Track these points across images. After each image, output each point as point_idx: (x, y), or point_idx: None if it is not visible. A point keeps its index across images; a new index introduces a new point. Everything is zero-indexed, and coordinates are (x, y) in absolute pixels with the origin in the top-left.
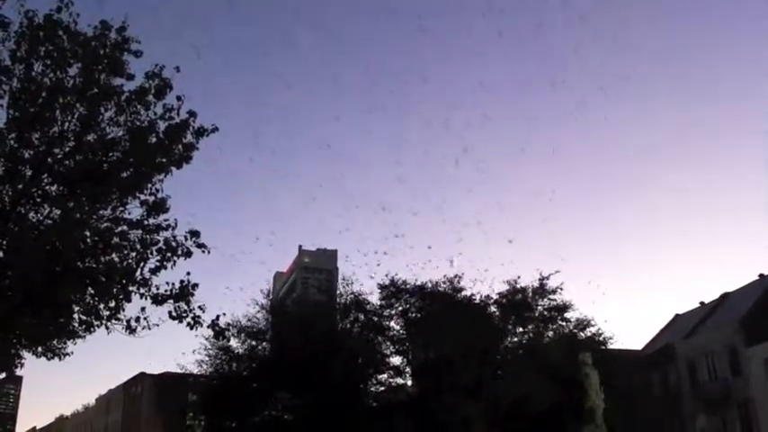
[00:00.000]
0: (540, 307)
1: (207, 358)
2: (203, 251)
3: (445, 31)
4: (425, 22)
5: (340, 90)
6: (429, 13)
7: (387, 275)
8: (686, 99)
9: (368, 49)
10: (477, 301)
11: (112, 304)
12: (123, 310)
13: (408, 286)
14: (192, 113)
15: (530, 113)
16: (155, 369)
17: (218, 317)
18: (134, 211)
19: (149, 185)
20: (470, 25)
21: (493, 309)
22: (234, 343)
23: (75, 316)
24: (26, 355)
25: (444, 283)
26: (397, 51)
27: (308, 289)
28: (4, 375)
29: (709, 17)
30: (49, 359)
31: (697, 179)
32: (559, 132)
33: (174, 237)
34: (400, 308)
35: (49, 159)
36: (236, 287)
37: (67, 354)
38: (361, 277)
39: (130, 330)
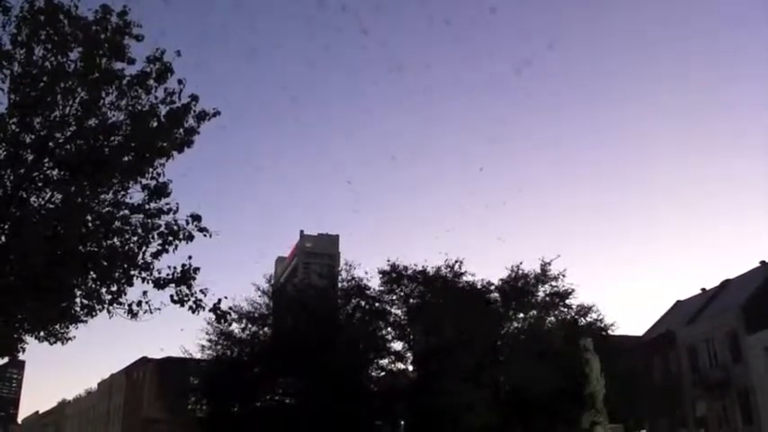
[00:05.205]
0: (541, 293)
1: (208, 343)
2: (205, 235)
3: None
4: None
5: (341, 72)
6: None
7: (388, 261)
8: (687, 90)
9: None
10: (479, 287)
11: (114, 288)
12: (125, 294)
13: (409, 272)
14: (193, 97)
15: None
16: (156, 353)
17: (219, 301)
18: (135, 195)
19: (150, 169)
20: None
21: (494, 295)
22: (235, 328)
23: (77, 300)
24: (28, 339)
25: (445, 268)
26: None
27: (310, 274)
28: (6, 360)
29: (709, 13)
30: (51, 343)
31: (698, 166)
32: (562, 120)
33: (176, 221)
34: (401, 293)
35: (51, 144)
36: (237, 271)
37: (69, 338)
38: (363, 262)
39: (132, 314)
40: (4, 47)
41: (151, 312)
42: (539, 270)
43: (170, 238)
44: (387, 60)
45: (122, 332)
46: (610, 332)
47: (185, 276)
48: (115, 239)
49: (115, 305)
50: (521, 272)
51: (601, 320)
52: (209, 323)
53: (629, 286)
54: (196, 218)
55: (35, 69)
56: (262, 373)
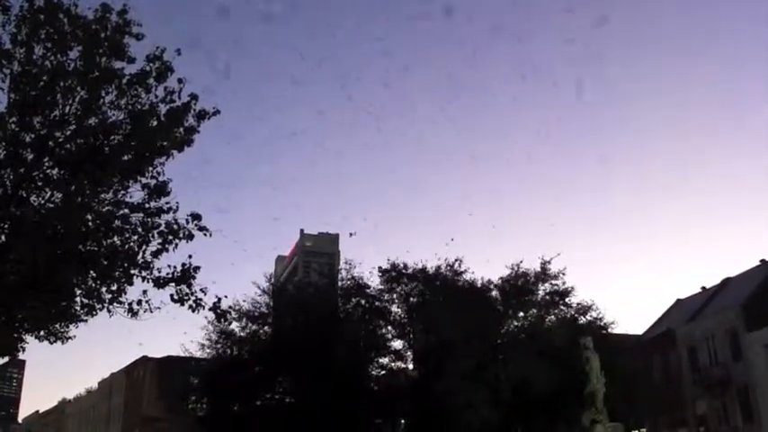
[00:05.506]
0: (541, 291)
1: (208, 342)
2: (205, 234)
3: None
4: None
5: (344, 71)
6: None
7: (388, 260)
8: (687, 87)
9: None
10: (479, 286)
11: (114, 287)
12: (125, 293)
13: (409, 270)
14: (193, 96)
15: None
16: (157, 353)
17: (219, 300)
18: (135, 194)
19: (150, 169)
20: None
21: (494, 293)
22: (235, 326)
23: (77, 299)
24: (28, 338)
25: (445, 267)
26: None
27: (310, 273)
28: (6, 359)
29: (708, 15)
30: (51, 343)
31: (697, 165)
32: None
33: (176, 220)
34: (401, 292)
35: (51, 143)
36: (237, 270)
37: (70, 337)
38: (363, 261)
39: (132, 313)
40: (3, 46)
41: (151, 311)
42: (539, 269)
43: (170, 237)
44: (388, 58)
45: (122, 331)
46: (609, 330)
47: (185, 275)
48: (115, 238)
49: (115, 304)
50: (521, 270)
51: (600, 319)
52: (209, 322)
53: (628, 285)
54: (196, 217)
55: (35, 68)
56: (262, 372)
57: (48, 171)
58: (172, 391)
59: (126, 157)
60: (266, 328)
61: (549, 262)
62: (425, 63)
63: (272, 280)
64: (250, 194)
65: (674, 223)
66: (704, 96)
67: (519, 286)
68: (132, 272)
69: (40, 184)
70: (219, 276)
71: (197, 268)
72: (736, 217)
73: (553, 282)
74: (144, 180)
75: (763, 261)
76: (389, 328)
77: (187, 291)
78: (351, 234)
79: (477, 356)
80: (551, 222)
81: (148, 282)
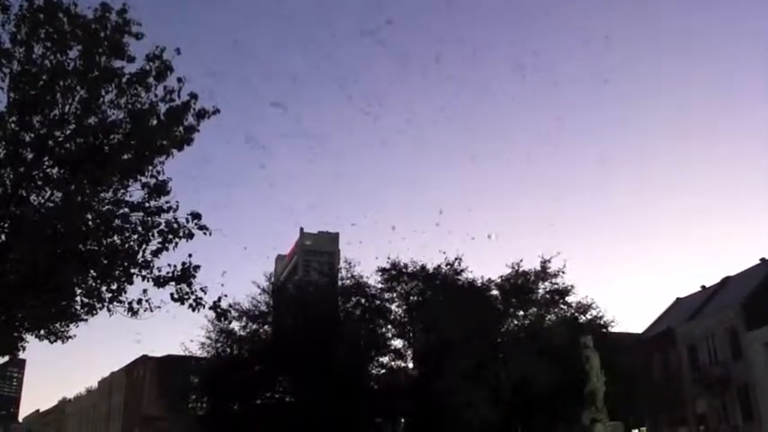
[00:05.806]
0: (541, 290)
1: (208, 341)
2: (205, 233)
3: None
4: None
5: (344, 71)
6: None
7: (388, 258)
8: (687, 86)
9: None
10: (479, 285)
11: (114, 286)
12: (125, 292)
13: (409, 269)
14: (193, 95)
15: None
16: (157, 352)
17: (219, 299)
18: (135, 193)
19: (150, 168)
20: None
21: (494, 292)
22: (235, 326)
23: (77, 298)
24: (29, 337)
25: (445, 265)
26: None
27: (310, 272)
28: (6, 358)
29: (708, 15)
30: (51, 342)
31: (697, 165)
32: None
33: (176, 219)
34: (401, 291)
35: (50, 142)
36: (237, 270)
37: (70, 337)
38: (363, 260)
39: (132, 312)
40: (3, 45)
41: (151, 310)
42: (539, 267)
43: (170, 236)
44: (387, 54)
45: (122, 330)
46: (609, 329)
47: (185, 274)
48: (115, 238)
49: (115, 303)
50: (521, 269)
51: (600, 317)
52: (209, 321)
53: (628, 285)
54: (196, 216)
55: (34, 68)
56: (262, 371)
57: (48, 170)
58: (172, 390)
59: (126, 157)
60: (266, 327)
61: (548, 261)
62: (425, 63)
63: (272, 279)
64: (250, 193)
65: (674, 223)
66: (704, 96)
67: (519, 285)
68: (132, 271)
69: (39, 183)
70: (219, 275)
71: (197, 267)
72: (736, 217)
73: (553, 280)
74: (144, 179)
75: (763, 260)
76: (389, 327)
77: (187, 290)
78: (353, 224)
79: (477, 355)
80: (551, 222)
81: (148, 281)
